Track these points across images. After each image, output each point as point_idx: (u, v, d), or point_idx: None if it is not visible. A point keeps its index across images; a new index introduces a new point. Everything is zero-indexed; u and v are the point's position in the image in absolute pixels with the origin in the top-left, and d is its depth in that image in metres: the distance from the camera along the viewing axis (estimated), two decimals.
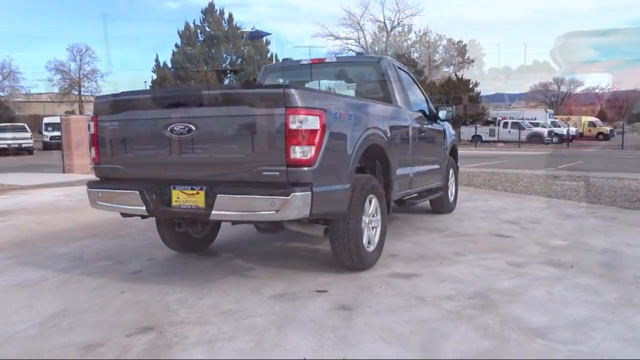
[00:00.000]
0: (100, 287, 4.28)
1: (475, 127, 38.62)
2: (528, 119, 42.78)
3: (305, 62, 6.02)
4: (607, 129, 47.74)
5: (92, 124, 4.34)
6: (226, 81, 25.81)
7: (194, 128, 3.85)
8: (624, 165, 17.71)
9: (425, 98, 6.64)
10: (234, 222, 4.44)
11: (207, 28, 25.06)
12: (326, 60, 5.90)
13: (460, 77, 49.51)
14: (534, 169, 15.05)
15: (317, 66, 5.97)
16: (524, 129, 37.31)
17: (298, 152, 3.60)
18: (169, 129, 3.94)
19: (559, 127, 42.00)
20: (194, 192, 3.93)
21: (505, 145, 34.85)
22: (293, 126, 3.57)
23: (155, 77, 25.07)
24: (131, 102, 4.20)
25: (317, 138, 3.67)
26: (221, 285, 4.24)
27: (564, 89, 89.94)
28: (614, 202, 8.53)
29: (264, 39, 26.18)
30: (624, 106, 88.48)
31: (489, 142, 37.91)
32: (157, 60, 24.45)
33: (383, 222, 4.79)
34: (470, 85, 49.04)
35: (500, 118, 42.62)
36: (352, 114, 4.21)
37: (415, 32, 50.08)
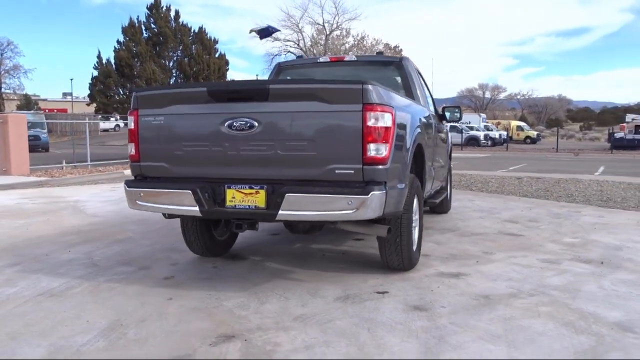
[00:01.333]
0: (139, 294, 3.98)
1: None
2: (464, 123, 44.43)
3: (322, 60, 5.90)
4: (534, 133, 50.45)
5: (131, 118, 4.03)
6: (172, 80, 25.04)
7: (256, 124, 3.66)
8: (566, 166, 18.73)
9: (432, 99, 6.69)
10: (298, 223, 4.27)
11: (152, 25, 24.16)
12: (345, 59, 5.81)
13: None
14: (490, 171, 15.61)
15: (335, 64, 5.87)
16: (461, 132, 38.72)
17: (374, 150, 3.50)
18: (226, 124, 3.72)
19: (492, 130, 43.98)
20: (253, 191, 3.74)
21: None
22: (370, 123, 3.47)
23: (96, 73, 23.90)
24: (181, 95, 3.94)
25: (390, 135, 3.59)
26: (272, 289, 4.06)
27: (488, 94, 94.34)
28: (588, 201, 8.97)
29: (212, 37, 25.67)
30: (543, 111, 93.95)
31: None
32: (99, 56, 23.32)
33: (421, 221, 4.77)
34: None
35: None
36: (407, 112, 4.16)
37: (353, 36, 50.70)
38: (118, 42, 23.69)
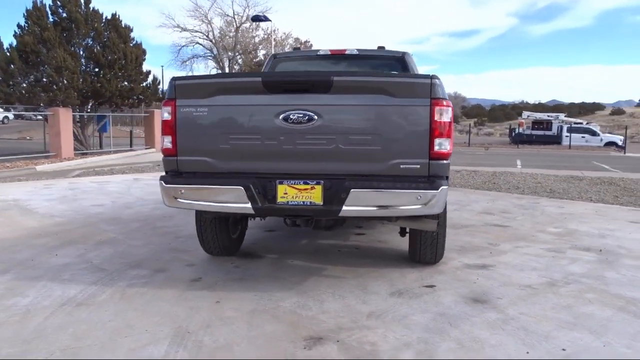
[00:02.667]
0: (179, 298, 3.72)
1: None
2: None
3: (322, 53, 5.78)
4: None
5: (167, 109, 3.72)
6: (83, 68, 23.41)
7: (315, 117, 3.52)
8: (485, 160, 19.83)
9: None
10: (360, 219, 4.14)
11: (60, 9, 22.36)
12: (346, 52, 5.73)
13: None
14: None
15: (335, 57, 5.78)
16: None
17: (439, 145, 3.50)
18: (281, 117, 3.55)
19: None
20: (308, 187, 3.60)
21: None
22: (437, 118, 3.47)
23: None
24: (230, 85, 3.69)
25: (452, 130, 3.61)
26: (317, 287, 3.96)
27: None
28: (536, 193, 9.55)
29: (127, 25, 24.27)
30: None
31: None
32: None
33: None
34: None
35: None
36: None
37: (263, 29, 50.25)
38: (19, 26, 21.52)
